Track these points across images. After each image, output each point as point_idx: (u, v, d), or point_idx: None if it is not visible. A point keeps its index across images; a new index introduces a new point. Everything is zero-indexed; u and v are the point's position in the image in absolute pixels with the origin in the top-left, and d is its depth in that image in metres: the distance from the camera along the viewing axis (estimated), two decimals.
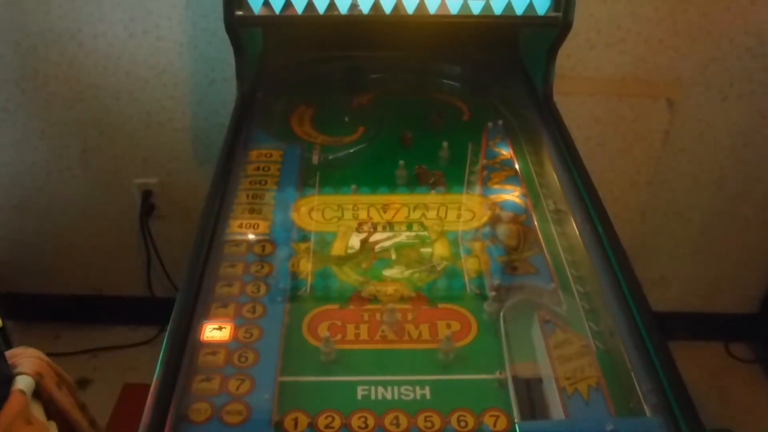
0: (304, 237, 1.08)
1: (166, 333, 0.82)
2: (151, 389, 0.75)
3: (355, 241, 1.08)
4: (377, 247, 1.07)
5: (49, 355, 2.00)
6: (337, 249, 1.06)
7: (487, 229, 1.10)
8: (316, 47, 1.44)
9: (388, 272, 1.02)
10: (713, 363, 2.14)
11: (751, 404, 2.00)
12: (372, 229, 1.10)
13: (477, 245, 1.07)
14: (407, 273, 1.02)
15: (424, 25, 1.30)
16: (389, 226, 1.11)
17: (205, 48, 1.66)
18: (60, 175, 1.88)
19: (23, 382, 0.90)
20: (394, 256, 1.05)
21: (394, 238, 1.09)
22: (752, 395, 2.04)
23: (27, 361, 0.93)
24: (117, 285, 2.11)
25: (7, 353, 0.94)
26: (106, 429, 1.88)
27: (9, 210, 1.95)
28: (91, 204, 1.94)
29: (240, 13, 1.24)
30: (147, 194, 1.90)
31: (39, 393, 0.93)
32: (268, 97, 1.41)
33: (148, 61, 1.68)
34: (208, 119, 1.77)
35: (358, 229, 1.10)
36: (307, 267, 1.01)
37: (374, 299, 0.96)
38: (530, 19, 1.26)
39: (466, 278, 1.00)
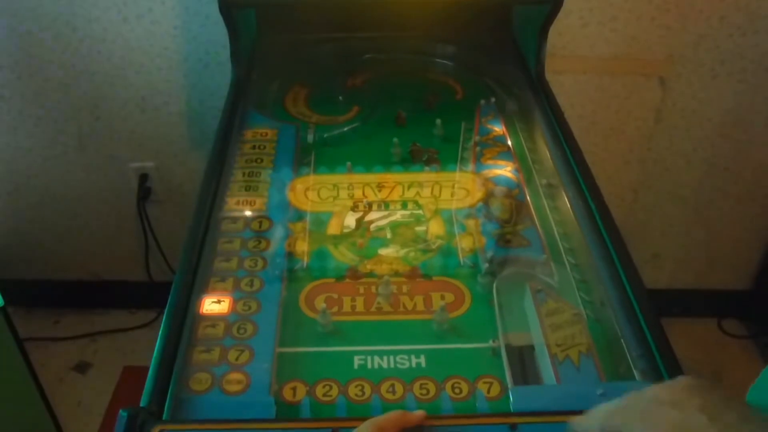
0: (300, 216, 1.09)
1: (167, 306, 0.84)
2: (153, 360, 0.77)
3: (350, 220, 1.09)
4: (372, 226, 1.08)
5: (49, 339, 2.04)
6: (332, 228, 1.07)
7: (480, 206, 1.11)
8: (310, 28, 1.44)
9: (383, 251, 1.03)
10: (706, 339, 2.17)
11: (743, 380, 2.00)
12: (367, 208, 1.11)
13: (471, 223, 1.08)
14: (402, 252, 1.03)
15: (418, 5, 1.31)
16: (384, 204, 1.12)
17: (199, 31, 1.67)
18: (56, 161, 1.89)
19: None
20: (389, 235, 1.06)
21: (389, 216, 1.10)
22: (745, 371, 2.06)
23: None
24: (115, 269, 2.12)
25: None
26: (106, 412, 1.91)
27: (5, 196, 1.95)
28: (88, 189, 1.95)
29: None
30: (143, 178, 1.91)
31: None
32: (263, 78, 1.42)
33: (142, 45, 1.69)
34: (203, 103, 1.77)
35: (354, 209, 1.11)
36: (303, 246, 1.02)
37: (370, 274, 0.98)
38: None
39: (461, 256, 1.02)
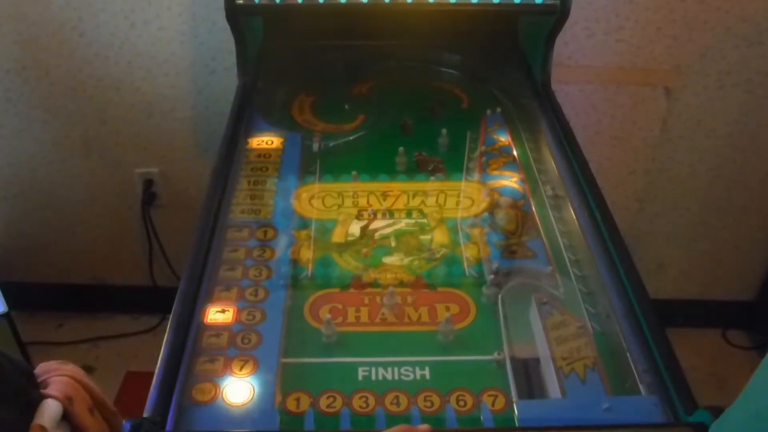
0: (305, 224, 1.09)
1: (171, 315, 0.84)
2: (157, 370, 0.77)
3: (355, 228, 1.09)
4: (377, 235, 1.08)
5: (52, 344, 2.04)
6: (337, 236, 1.07)
7: (485, 215, 1.11)
8: (316, 36, 1.44)
9: (387, 259, 1.03)
10: (711, 350, 2.16)
11: None
12: (372, 216, 1.11)
13: (476, 232, 1.08)
14: (407, 260, 1.03)
15: (424, 14, 1.31)
16: (389, 213, 1.12)
17: (205, 37, 1.67)
18: (61, 165, 1.89)
19: (47, 413, 0.75)
20: (393, 244, 1.06)
21: (394, 225, 1.10)
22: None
23: (57, 382, 0.80)
24: (119, 274, 2.12)
25: (40, 368, 0.81)
26: None
27: (11, 199, 1.96)
28: (93, 193, 1.95)
29: (241, 1, 1.26)
30: (148, 183, 1.91)
31: (68, 418, 0.79)
32: (269, 85, 1.42)
33: (149, 51, 1.69)
34: (209, 108, 1.78)
35: (358, 217, 1.11)
36: (307, 254, 1.02)
37: (375, 283, 0.98)
38: (528, 6, 1.27)
39: (466, 265, 1.02)
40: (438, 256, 1.04)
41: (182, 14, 1.64)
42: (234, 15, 1.28)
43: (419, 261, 1.03)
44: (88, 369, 2.03)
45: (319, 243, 1.05)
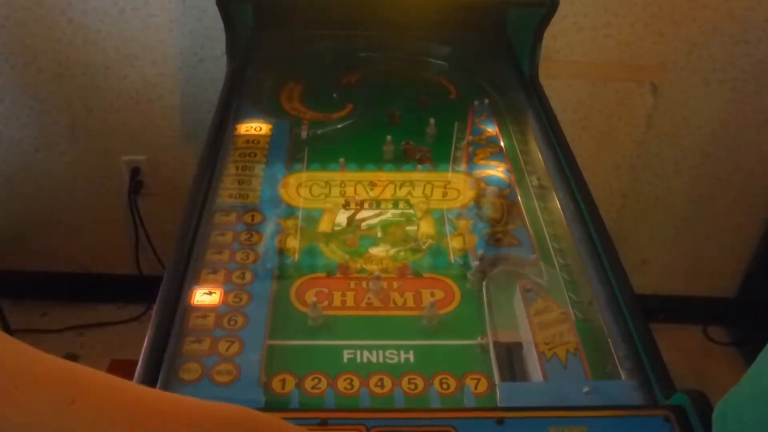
0: (292, 213, 1.09)
1: (158, 296, 0.84)
2: (144, 348, 0.77)
3: (341, 218, 1.09)
4: (363, 225, 1.08)
5: (36, 332, 2.03)
6: (323, 226, 1.07)
7: (471, 206, 1.11)
8: (306, 24, 1.45)
9: (373, 250, 1.03)
10: (691, 346, 2.18)
11: (727, 386, 2.02)
12: (359, 206, 1.11)
13: (462, 223, 1.09)
14: (392, 251, 1.03)
15: (414, 5, 1.32)
16: (376, 203, 1.12)
17: (194, 25, 1.67)
18: (48, 152, 1.88)
19: None
20: (379, 234, 1.06)
21: (381, 215, 1.10)
22: (729, 378, 2.05)
23: None
24: (105, 262, 2.11)
25: None
26: None
27: None
28: (79, 181, 1.94)
29: None
30: (135, 171, 1.90)
31: None
32: (258, 73, 1.42)
33: (137, 37, 1.69)
34: (197, 97, 1.77)
35: (345, 206, 1.11)
36: (293, 243, 1.02)
37: (361, 270, 0.98)
38: None
39: (452, 257, 1.02)
40: (424, 247, 1.04)
41: (171, 1, 1.63)
42: (224, 1, 1.28)
43: (405, 252, 1.03)
44: (72, 357, 2.02)
45: (305, 232, 1.05)
